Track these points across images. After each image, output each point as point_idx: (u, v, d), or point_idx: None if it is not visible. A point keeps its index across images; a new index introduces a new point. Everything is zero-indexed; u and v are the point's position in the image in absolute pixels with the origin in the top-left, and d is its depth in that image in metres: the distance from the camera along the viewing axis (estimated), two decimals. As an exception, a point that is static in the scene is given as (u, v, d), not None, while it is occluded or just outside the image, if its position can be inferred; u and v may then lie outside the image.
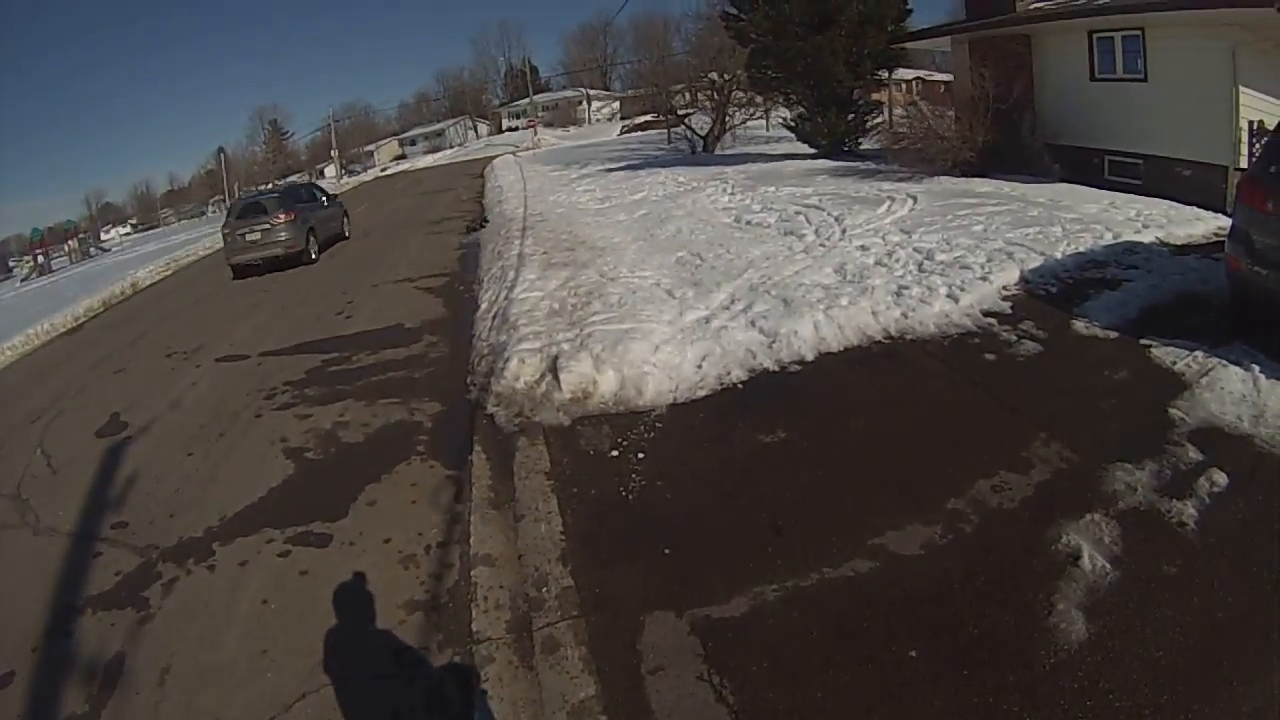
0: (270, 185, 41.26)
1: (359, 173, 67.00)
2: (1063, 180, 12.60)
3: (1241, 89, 10.98)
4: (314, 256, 17.17)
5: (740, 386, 6.23)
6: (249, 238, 16.67)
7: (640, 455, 5.34)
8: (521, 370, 6.65)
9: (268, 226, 16.54)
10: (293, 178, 71.89)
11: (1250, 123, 10.97)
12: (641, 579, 4.08)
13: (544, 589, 4.08)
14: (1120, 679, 3.23)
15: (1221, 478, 4.48)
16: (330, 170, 68.89)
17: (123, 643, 4.44)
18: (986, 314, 7.01)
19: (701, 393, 6.18)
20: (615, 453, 5.42)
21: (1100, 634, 3.45)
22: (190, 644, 4.32)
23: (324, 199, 20.27)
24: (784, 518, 4.46)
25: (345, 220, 20.64)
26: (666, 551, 4.28)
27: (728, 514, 4.58)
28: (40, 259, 36.51)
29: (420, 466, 5.97)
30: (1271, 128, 7.04)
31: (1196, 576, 3.75)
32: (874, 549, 4.09)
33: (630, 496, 4.89)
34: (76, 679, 4.23)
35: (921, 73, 41.20)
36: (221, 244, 17.68)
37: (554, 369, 6.49)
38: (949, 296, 7.25)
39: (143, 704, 3.96)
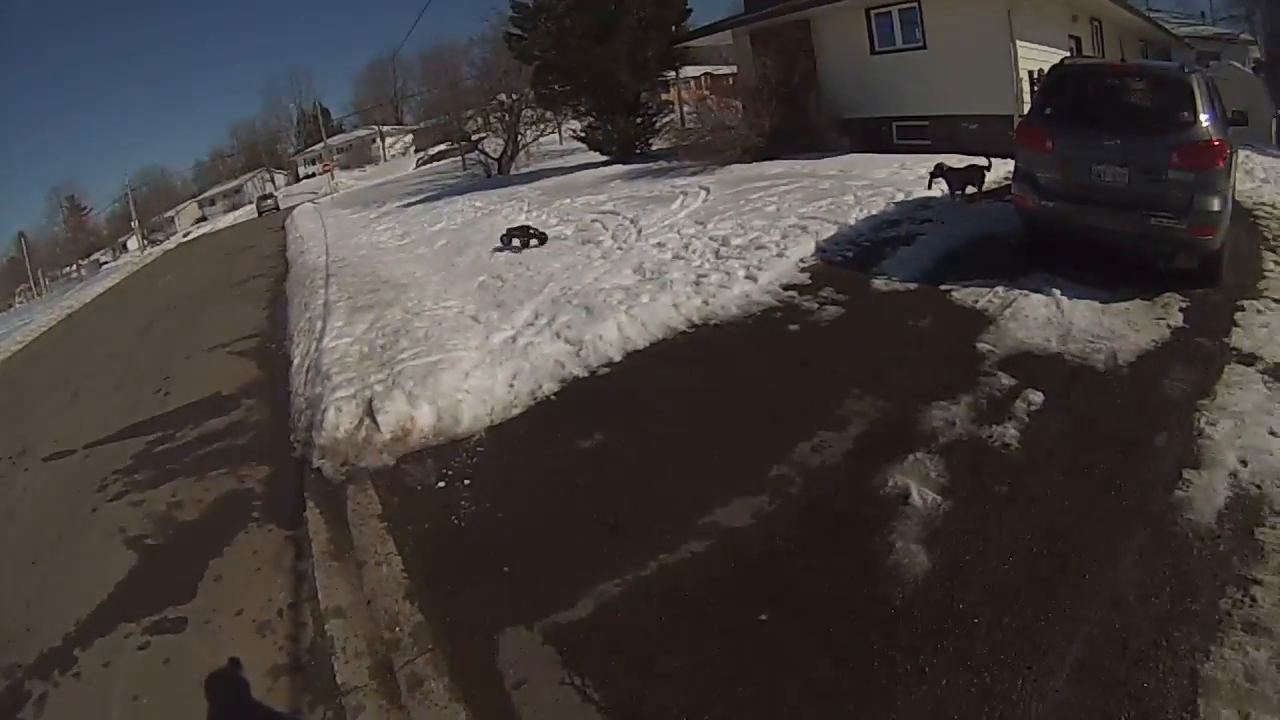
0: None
1: (162, 241, 62.37)
2: (853, 151, 13.34)
3: (1019, 43, 11.99)
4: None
5: (553, 398, 6.43)
6: (266, 204, 52.87)
7: (466, 482, 5.45)
8: (340, 419, 6.52)
9: (272, 202, 52.15)
10: (96, 255, 67.59)
11: (1030, 72, 12.01)
12: (488, 600, 4.17)
13: (397, 629, 4.15)
14: (974, 596, 3.46)
15: (1038, 396, 4.89)
16: (132, 243, 64.12)
17: (8, 774, 4.20)
18: (786, 288, 7.40)
19: (516, 410, 6.34)
20: (442, 484, 5.49)
21: (945, 560, 3.66)
22: (72, 756, 4.14)
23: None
24: (615, 515, 4.62)
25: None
26: (506, 569, 4.40)
27: (559, 523, 4.73)
28: None
29: (259, 532, 5.88)
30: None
31: (1028, 489, 4.05)
32: (706, 528, 4.29)
33: (462, 524, 4.99)
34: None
35: (709, 69, 42.93)
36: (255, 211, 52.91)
37: (370, 412, 6.46)
38: (747, 277, 7.63)
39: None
